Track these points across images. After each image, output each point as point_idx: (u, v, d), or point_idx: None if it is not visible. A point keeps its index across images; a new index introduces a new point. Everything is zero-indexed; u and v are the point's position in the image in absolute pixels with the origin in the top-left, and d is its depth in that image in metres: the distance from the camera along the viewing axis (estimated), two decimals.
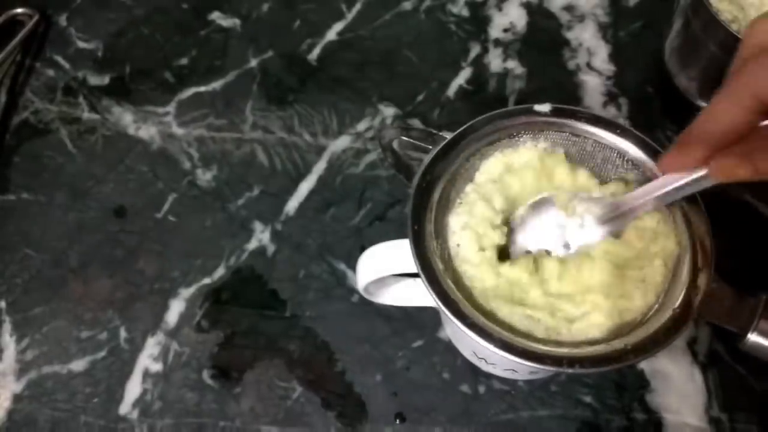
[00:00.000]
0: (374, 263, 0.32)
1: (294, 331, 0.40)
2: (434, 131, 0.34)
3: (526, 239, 0.32)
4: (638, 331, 0.27)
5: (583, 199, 0.31)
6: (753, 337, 0.27)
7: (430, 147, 0.32)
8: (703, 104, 0.44)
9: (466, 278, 0.30)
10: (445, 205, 0.31)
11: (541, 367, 0.27)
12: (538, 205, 0.32)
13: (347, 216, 0.44)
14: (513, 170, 0.33)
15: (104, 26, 0.52)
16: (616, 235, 0.30)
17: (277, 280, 0.42)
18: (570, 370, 0.26)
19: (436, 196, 0.31)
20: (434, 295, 0.28)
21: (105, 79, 0.50)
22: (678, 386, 0.38)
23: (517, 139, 0.33)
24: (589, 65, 0.49)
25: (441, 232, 0.31)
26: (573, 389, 0.38)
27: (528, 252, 0.32)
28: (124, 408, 0.38)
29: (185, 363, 0.39)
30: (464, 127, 0.32)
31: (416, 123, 0.47)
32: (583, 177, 0.32)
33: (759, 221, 0.42)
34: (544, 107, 0.32)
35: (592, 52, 0.49)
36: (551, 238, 0.31)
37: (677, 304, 0.27)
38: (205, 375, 0.39)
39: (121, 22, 0.52)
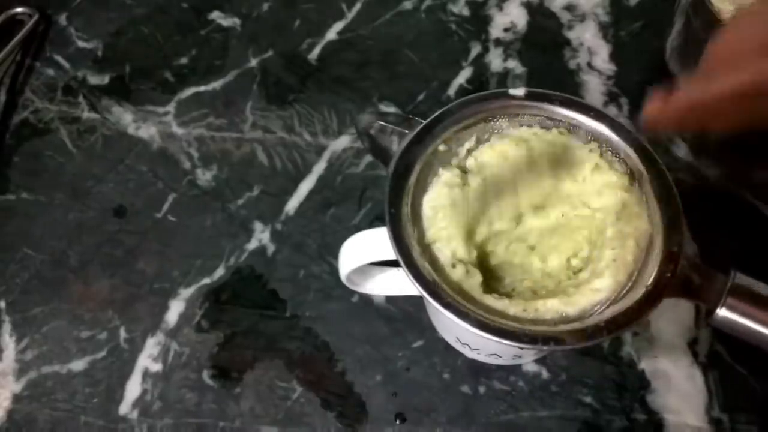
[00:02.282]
0: (354, 252, 0.32)
1: (294, 332, 0.40)
2: (410, 116, 0.34)
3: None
4: (612, 308, 0.28)
5: None
6: (722, 313, 0.27)
7: (407, 131, 0.32)
8: None
9: (442, 260, 0.30)
10: (422, 189, 0.32)
11: (518, 345, 0.27)
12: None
13: (347, 216, 0.44)
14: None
15: (104, 26, 0.52)
16: None
17: (277, 280, 0.42)
18: (545, 348, 0.27)
19: (412, 180, 0.31)
20: (411, 277, 0.28)
21: (105, 79, 0.50)
22: (679, 387, 0.37)
23: (493, 123, 0.33)
24: (589, 65, 0.49)
25: (418, 216, 0.31)
26: (573, 389, 0.38)
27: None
28: (124, 408, 0.38)
29: (185, 363, 0.39)
30: (440, 111, 0.32)
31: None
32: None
33: (760, 221, 0.42)
34: (519, 91, 0.33)
35: (592, 51, 0.49)
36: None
37: (650, 281, 0.28)
38: (205, 375, 0.39)
39: (121, 22, 0.52)
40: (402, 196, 0.30)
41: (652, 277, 0.28)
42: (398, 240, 0.29)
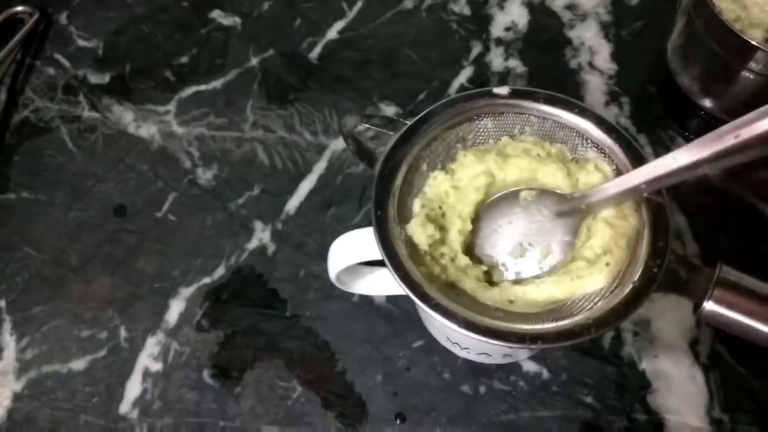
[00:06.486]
0: (343, 252, 0.32)
1: (294, 331, 0.40)
2: (395, 118, 0.34)
3: (485, 238, 0.32)
4: (600, 305, 0.28)
5: (543, 193, 0.32)
6: (709, 306, 0.27)
7: (392, 133, 0.32)
8: (705, 103, 0.44)
9: (429, 260, 0.30)
10: (408, 190, 0.32)
11: (505, 344, 0.27)
12: (498, 202, 0.33)
13: (348, 215, 0.43)
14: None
15: (104, 24, 0.52)
16: (572, 232, 0.31)
17: (278, 279, 0.42)
18: (534, 346, 0.27)
19: (398, 181, 0.31)
20: (398, 279, 0.28)
21: (105, 78, 0.50)
22: (679, 387, 0.37)
23: (477, 122, 0.33)
24: (590, 64, 0.49)
25: (405, 217, 0.31)
26: (574, 389, 0.38)
27: (487, 255, 0.32)
28: (124, 407, 0.38)
29: (185, 362, 0.39)
30: (424, 112, 0.32)
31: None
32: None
33: (761, 221, 0.42)
34: (503, 90, 0.32)
35: (593, 51, 0.49)
36: (508, 244, 0.32)
37: (636, 277, 0.28)
38: (205, 374, 0.39)
39: (121, 21, 0.52)
40: (389, 197, 0.30)
41: (639, 273, 0.28)
42: (385, 243, 0.29)
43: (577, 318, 0.28)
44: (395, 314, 0.40)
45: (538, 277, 0.31)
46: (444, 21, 0.51)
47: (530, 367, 0.38)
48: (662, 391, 0.37)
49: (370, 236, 0.30)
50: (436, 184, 0.32)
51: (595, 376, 0.38)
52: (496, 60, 0.49)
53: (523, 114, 0.33)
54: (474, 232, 0.32)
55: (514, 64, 0.49)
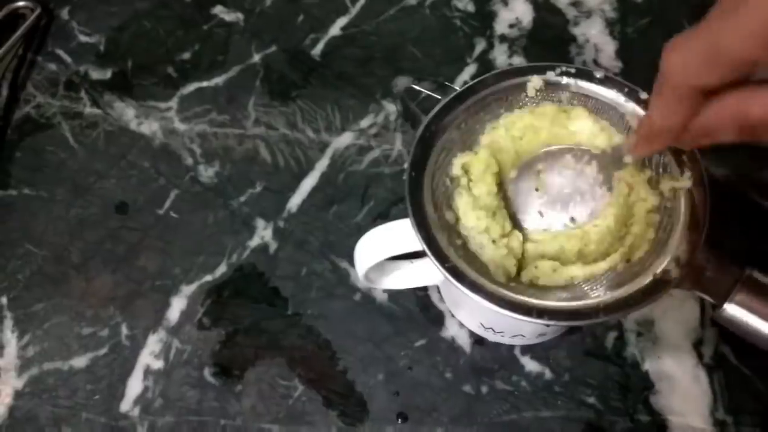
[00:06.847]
0: (372, 247, 0.32)
1: (296, 330, 0.40)
2: (447, 83, 0.34)
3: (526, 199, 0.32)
4: (615, 292, 0.28)
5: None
6: (729, 308, 0.26)
7: (440, 97, 0.32)
8: None
9: (472, 240, 0.30)
10: (446, 157, 0.31)
11: (553, 323, 0.27)
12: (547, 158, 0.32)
13: (350, 213, 0.43)
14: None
15: (106, 20, 0.52)
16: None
17: (279, 277, 0.41)
18: (575, 323, 0.27)
19: (438, 145, 0.31)
20: (436, 263, 0.28)
21: (107, 74, 0.50)
22: (683, 388, 0.37)
23: (525, 95, 0.33)
24: (595, 62, 0.48)
25: (437, 190, 0.31)
26: (576, 390, 0.37)
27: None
28: (125, 405, 0.38)
29: (186, 360, 0.39)
30: (475, 81, 0.32)
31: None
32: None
33: (766, 221, 0.41)
34: (552, 74, 0.32)
35: (599, 48, 0.49)
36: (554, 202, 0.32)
37: (659, 270, 0.28)
38: (207, 373, 0.39)
39: (123, 16, 0.52)
40: (425, 163, 0.30)
41: (663, 267, 0.28)
42: (421, 225, 0.29)
43: (589, 301, 0.28)
44: (397, 313, 0.40)
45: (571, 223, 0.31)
46: (447, 18, 0.51)
47: (533, 367, 0.38)
48: (665, 392, 0.37)
49: (399, 228, 0.30)
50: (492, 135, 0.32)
51: (598, 377, 0.38)
52: (500, 57, 0.49)
53: (572, 92, 0.32)
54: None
55: (519, 61, 0.48)
